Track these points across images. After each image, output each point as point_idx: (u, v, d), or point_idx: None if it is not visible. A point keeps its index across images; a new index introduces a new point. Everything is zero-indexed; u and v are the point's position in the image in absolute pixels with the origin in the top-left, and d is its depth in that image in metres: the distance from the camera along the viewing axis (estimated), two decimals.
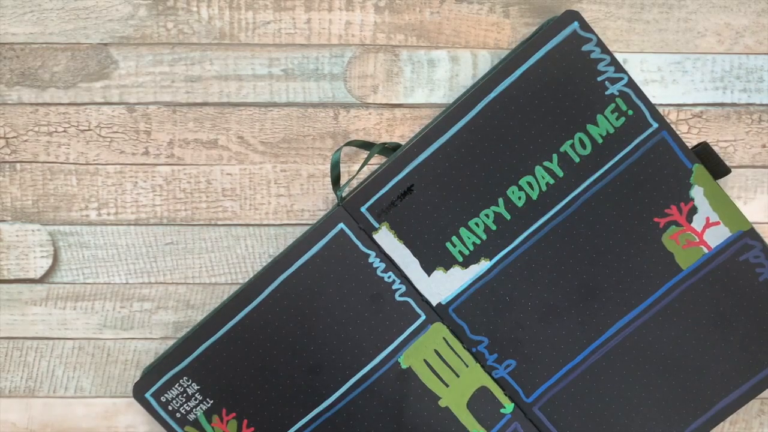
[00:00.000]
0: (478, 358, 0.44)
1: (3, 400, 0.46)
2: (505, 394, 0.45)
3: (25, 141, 0.45)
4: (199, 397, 0.44)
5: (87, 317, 0.46)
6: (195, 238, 0.46)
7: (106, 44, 0.45)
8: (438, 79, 0.45)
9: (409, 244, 0.44)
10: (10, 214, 0.45)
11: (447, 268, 0.44)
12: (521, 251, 0.44)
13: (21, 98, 0.45)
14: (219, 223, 0.46)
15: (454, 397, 0.45)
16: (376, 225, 0.44)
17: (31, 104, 0.45)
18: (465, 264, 0.44)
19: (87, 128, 0.45)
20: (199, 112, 0.45)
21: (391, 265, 0.44)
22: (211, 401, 0.44)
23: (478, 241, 0.44)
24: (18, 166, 0.45)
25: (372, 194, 0.43)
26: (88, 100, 0.45)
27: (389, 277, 0.44)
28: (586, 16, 0.45)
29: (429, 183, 0.43)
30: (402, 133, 0.45)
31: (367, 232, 0.44)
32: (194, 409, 0.44)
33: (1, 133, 0.45)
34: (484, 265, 0.44)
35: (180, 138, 0.45)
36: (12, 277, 0.46)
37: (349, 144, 0.44)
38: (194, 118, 0.45)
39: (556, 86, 0.43)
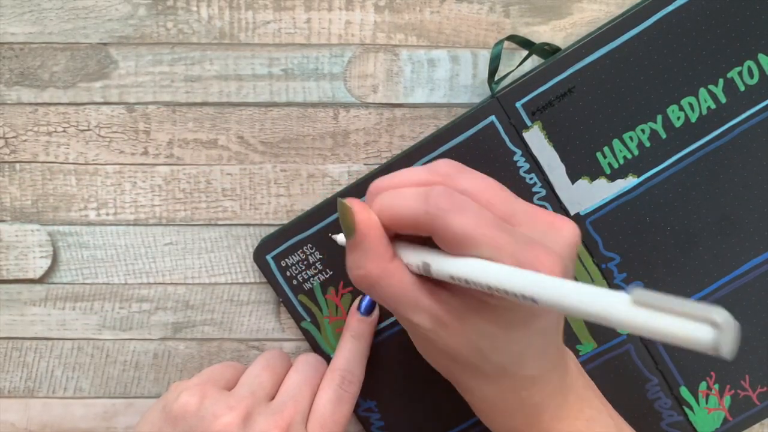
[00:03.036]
0: (606, 275, 0.44)
1: (2, 400, 0.47)
2: None
3: (25, 141, 0.45)
4: (320, 267, 0.45)
5: (86, 318, 0.46)
6: (194, 238, 0.46)
7: (105, 44, 0.45)
8: (438, 78, 0.45)
9: (558, 148, 0.43)
10: (9, 214, 0.46)
11: (593, 178, 0.44)
12: (670, 173, 0.44)
13: (20, 98, 0.45)
14: (219, 223, 0.46)
15: None
16: (529, 123, 0.43)
17: (31, 104, 0.45)
18: (612, 177, 0.44)
19: (86, 128, 0.45)
20: (199, 112, 0.45)
21: (535, 167, 0.43)
22: (331, 272, 0.45)
23: (629, 156, 0.43)
24: (17, 166, 0.46)
25: (530, 91, 0.43)
26: (88, 100, 0.45)
27: (531, 179, 0.44)
28: (586, 16, 0.45)
29: (591, 88, 0.43)
30: (402, 133, 0.45)
31: (517, 130, 0.43)
32: (312, 279, 0.45)
33: (0, 133, 0.46)
34: (631, 181, 0.44)
35: (179, 138, 0.45)
36: (11, 278, 0.46)
37: (509, 38, 0.44)
38: (194, 118, 0.45)
39: (734, 8, 0.42)
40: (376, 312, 0.45)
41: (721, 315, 0.25)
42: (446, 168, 0.37)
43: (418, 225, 0.34)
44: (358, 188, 0.44)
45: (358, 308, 0.44)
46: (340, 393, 0.42)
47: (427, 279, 0.36)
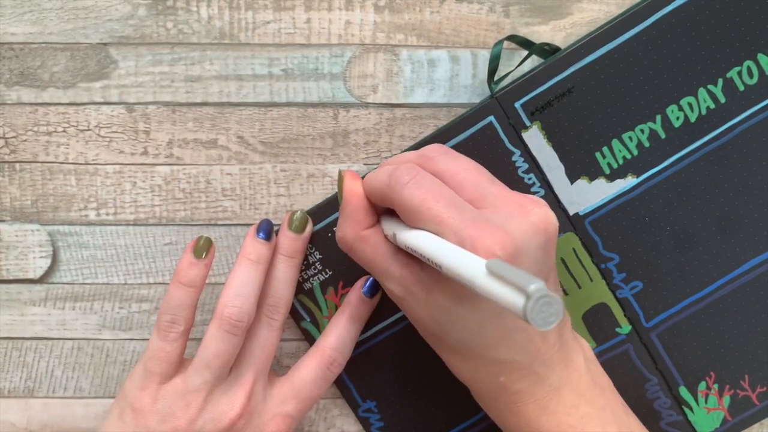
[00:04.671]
0: (605, 274, 0.44)
1: (2, 400, 0.47)
2: (625, 315, 0.45)
3: (25, 141, 0.45)
4: (319, 267, 0.45)
5: (86, 318, 0.46)
6: (194, 238, 0.45)
7: (105, 44, 0.45)
8: (438, 78, 0.45)
9: (557, 148, 0.43)
10: (9, 214, 0.46)
11: (592, 178, 0.44)
12: (670, 173, 0.44)
13: (20, 98, 0.45)
14: (219, 223, 0.46)
15: (571, 306, 0.44)
16: (528, 123, 0.43)
17: (31, 104, 0.45)
18: (611, 177, 0.44)
19: (86, 128, 0.45)
20: (199, 112, 0.45)
21: (534, 167, 0.43)
22: (330, 272, 0.45)
23: (628, 156, 0.44)
24: (17, 166, 0.45)
25: (529, 91, 0.43)
26: (88, 100, 0.45)
27: (530, 179, 0.44)
28: (586, 16, 0.45)
29: (590, 88, 0.43)
30: (402, 133, 0.45)
31: (516, 130, 0.43)
32: (311, 278, 0.45)
33: (0, 133, 0.45)
34: (630, 181, 0.44)
35: (179, 138, 0.45)
36: (11, 278, 0.46)
37: (509, 38, 0.44)
38: (194, 118, 0.45)
39: (734, 8, 0.42)
40: (378, 295, 0.45)
41: (534, 286, 0.27)
42: (431, 151, 0.39)
43: (383, 196, 0.38)
44: None
45: (363, 287, 0.44)
46: (325, 374, 0.44)
47: (403, 251, 0.38)
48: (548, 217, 0.36)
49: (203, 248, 0.42)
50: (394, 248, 0.38)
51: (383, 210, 0.40)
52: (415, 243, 0.35)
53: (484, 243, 0.33)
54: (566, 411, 0.38)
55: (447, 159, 0.38)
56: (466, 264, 0.31)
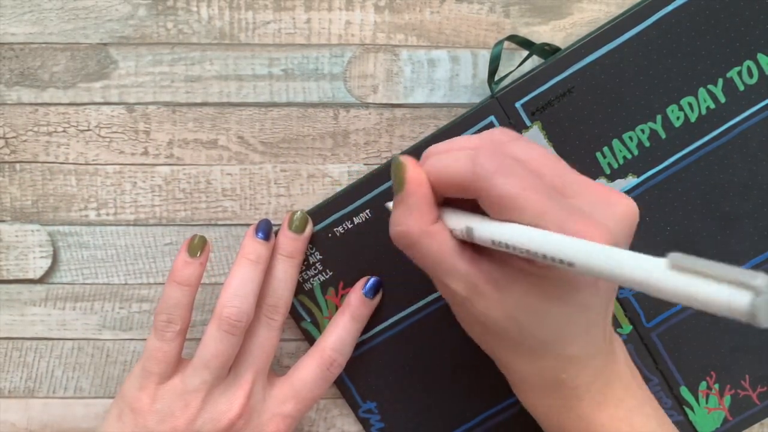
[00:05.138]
0: None
1: (2, 400, 0.47)
2: (626, 315, 0.45)
3: (25, 141, 0.45)
4: (320, 267, 0.45)
5: (86, 318, 0.46)
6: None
7: (105, 44, 0.45)
8: (438, 78, 0.45)
9: (558, 148, 0.43)
10: (9, 214, 0.46)
11: (592, 179, 0.42)
12: (670, 173, 0.44)
13: (20, 98, 0.45)
14: (219, 223, 0.46)
15: None
16: (528, 123, 0.43)
17: (31, 104, 0.45)
18: (611, 177, 0.44)
19: (86, 128, 0.45)
20: (199, 112, 0.45)
21: None
22: (331, 273, 0.45)
23: (629, 156, 0.44)
24: (17, 166, 0.46)
25: (529, 91, 0.43)
26: (88, 100, 0.45)
27: None
28: (586, 16, 0.45)
29: (590, 88, 0.43)
30: (402, 133, 0.45)
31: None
32: (312, 279, 0.45)
33: (0, 133, 0.46)
34: (630, 181, 0.44)
35: (179, 138, 0.45)
36: (11, 278, 0.46)
37: (509, 39, 0.44)
38: (194, 118, 0.45)
39: (734, 8, 0.42)
40: (378, 296, 0.45)
41: (760, 279, 0.23)
42: (500, 135, 0.36)
43: (464, 186, 0.34)
44: (360, 187, 0.44)
45: (363, 288, 0.44)
46: (325, 374, 0.44)
47: (468, 246, 0.35)
48: (634, 207, 0.34)
49: (198, 247, 0.42)
50: (460, 244, 0.35)
51: (442, 201, 0.37)
52: (521, 239, 0.31)
53: (591, 235, 0.30)
54: (616, 404, 0.37)
55: (520, 144, 0.35)
56: (632, 263, 0.27)
